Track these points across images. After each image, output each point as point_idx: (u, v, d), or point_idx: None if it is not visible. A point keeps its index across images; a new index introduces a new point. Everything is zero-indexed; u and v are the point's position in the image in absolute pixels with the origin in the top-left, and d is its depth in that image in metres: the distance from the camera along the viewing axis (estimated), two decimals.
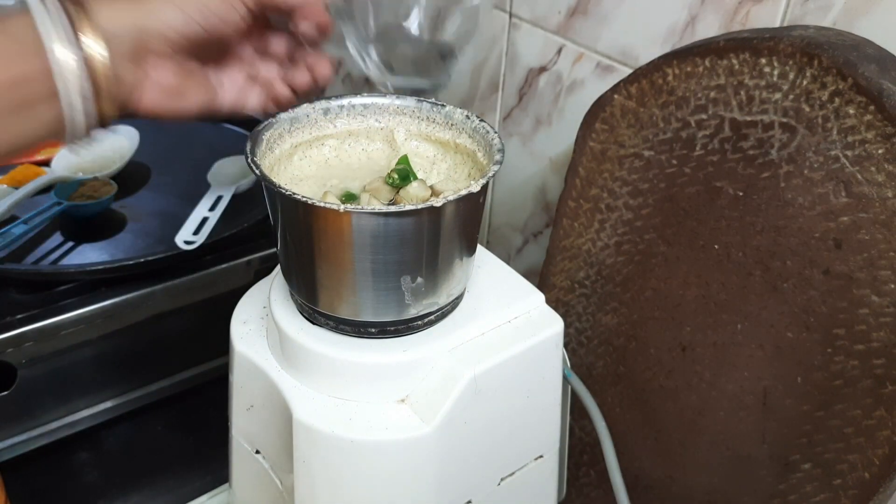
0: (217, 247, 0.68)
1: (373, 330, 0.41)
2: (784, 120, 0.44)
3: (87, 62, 0.37)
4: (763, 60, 0.44)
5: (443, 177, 0.45)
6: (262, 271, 0.59)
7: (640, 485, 0.56)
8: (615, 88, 0.52)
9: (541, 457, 0.49)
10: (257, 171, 0.38)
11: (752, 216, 0.47)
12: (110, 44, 0.38)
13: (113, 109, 0.39)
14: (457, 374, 0.41)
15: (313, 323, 0.42)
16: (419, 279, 0.39)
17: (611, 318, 0.56)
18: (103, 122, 0.40)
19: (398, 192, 0.43)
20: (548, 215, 0.70)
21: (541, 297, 0.46)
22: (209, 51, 0.43)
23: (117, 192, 0.74)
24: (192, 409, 0.72)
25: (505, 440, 0.46)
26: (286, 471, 0.46)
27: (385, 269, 0.39)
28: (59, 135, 0.39)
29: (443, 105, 0.45)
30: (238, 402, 0.48)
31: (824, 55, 0.41)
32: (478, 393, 0.42)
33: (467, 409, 0.42)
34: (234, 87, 0.45)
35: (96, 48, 0.38)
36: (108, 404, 0.68)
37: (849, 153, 0.42)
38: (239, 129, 0.87)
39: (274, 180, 0.38)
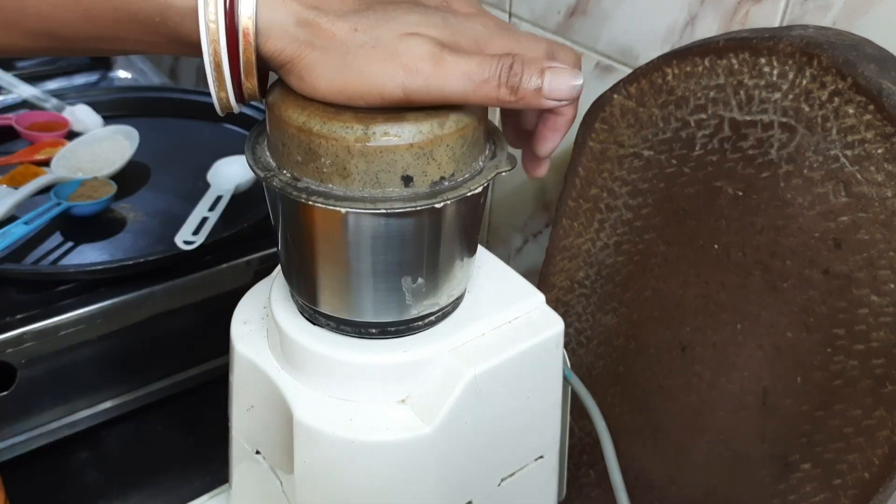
0: (217, 247, 0.68)
1: (373, 330, 0.41)
2: (783, 120, 0.44)
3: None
4: (762, 60, 0.44)
5: None
6: (262, 271, 0.59)
7: (640, 485, 0.56)
8: (615, 88, 0.52)
9: (541, 457, 0.49)
10: (258, 173, 0.38)
11: (751, 216, 0.47)
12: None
13: (254, 85, 0.35)
14: (457, 375, 0.41)
15: (314, 323, 0.42)
16: (420, 280, 0.39)
17: (611, 318, 0.57)
18: (243, 98, 0.36)
19: None
20: (548, 215, 0.70)
21: (541, 297, 0.46)
22: None
23: (117, 192, 0.74)
24: (192, 409, 0.72)
25: (505, 440, 0.46)
26: (286, 471, 0.46)
27: (385, 269, 0.39)
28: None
29: None
30: (238, 402, 0.48)
31: (824, 55, 0.42)
32: (478, 393, 0.42)
33: (468, 409, 0.42)
34: None
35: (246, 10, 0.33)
36: (107, 404, 0.68)
37: (848, 153, 0.42)
38: (239, 129, 0.87)
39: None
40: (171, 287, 0.66)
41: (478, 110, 0.37)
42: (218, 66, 0.34)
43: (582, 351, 0.59)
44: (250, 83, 0.35)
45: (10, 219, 0.69)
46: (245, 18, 0.33)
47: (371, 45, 0.34)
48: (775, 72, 0.44)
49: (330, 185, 0.36)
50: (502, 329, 0.44)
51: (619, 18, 0.58)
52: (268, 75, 0.37)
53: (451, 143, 0.36)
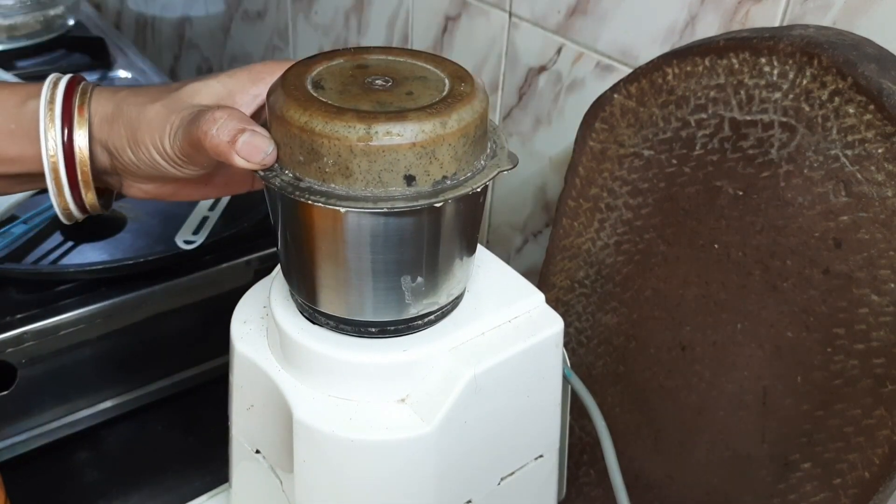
0: (217, 246, 0.68)
1: (373, 329, 0.41)
2: (784, 119, 0.44)
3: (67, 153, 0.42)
4: (763, 60, 0.44)
5: None
6: (262, 271, 0.59)
7: (639, 484, 0.56)
8: (615, 88, 0.52)
9: (541, 456, 0.49)
10: (259, 172, 0.38)
11: (751, 216, 0.47)
12: (94, 144, 0.42)
13: (93, 198, 0.44)
14: (457, 374, 0.41)
15: (313, 323, 0.42)
16: (419, 279, 0.39)
17: (611, 318, 0.56)
18: (85, 208, 0.44)
19: None
20: (548, 215, 0.70)
21: (541, 296, 0.46)
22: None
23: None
24: (192, 409, 0.72)
25: (505, 440, 0.46)
26: (286, 470, 0.46)
27: (385, 268, 0.39)
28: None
29: None
30: (238, 401, 0.48)
31: (824, 54, 0.42)
32: (478, 392, 0.42)
33: (467, 408, 0.42)
34: (224, 178, 0.47)
35: (79, 141, 0.42)
36: (107, 404, 0.68)
37: (848, 152, 0.42)
38: None
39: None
40: (171, 287, 0.66)
41: (479, 108, 0.37)
42: (58, 182, 0.42)
43: (582, 350, 0.59)
44: (90, 196, 0.43)
45: (10, 218, 0.69)
46: (78, 143, 0.42)
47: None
48: (775, 71, 0.44)
49: (332, 185, 0.35)
50: (502, 328, 0.44)
51: (619, 18, 0.58)
52: (110, 195, 0.46)
53: (453, 142, 0.36)
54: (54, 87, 0.42)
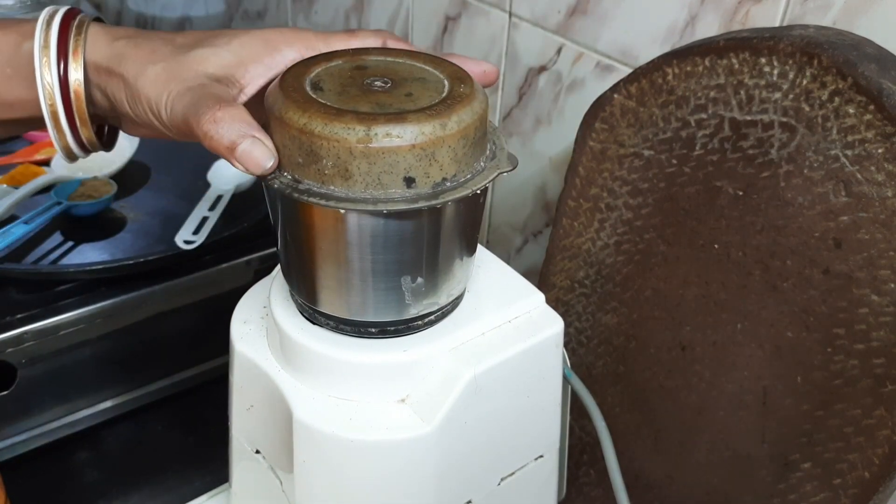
0: (217, 246, 0.68)
1: (373, 330, 0.41)
2: (784, 119, 0.44)
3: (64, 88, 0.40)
4: (763, 60, 0.44)
5: None
6: (262, 271, 0.59)
7: (639, 484, 0.56)
8: (615, 88, 0.52)
9: (541, 456, 0.49)
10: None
11: (751, 216, 0.47)
12: (90, 74, 0.41)
13: (91, 134, 0.43)
14: (457, 374, 0.41)
15: (313, 323, 0.42)
16: (419, 279, 0.39)
17: (611, 318, 0.57)
18: (84, 146, 0.43)
19: None
20: (548, 215, 0.70)
21: (541, 296, 0.46)
22: None
23: (117, 192, 0.74)
24: (192, 408, 0.72)
25: (505, 440, 0.46)
26: (286, 470, 0.46)
27: (385, 268, 0.39)
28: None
29: None
30: (238, 401, 0.48)
31: (824, 54, 0.42)
32: (478, 393, 0.42)
33: (467, 408, 0.42)
34: None
35: (73, 84, 0.40)
36: (107, 404, 0.68)
37: (848, 152, 0.42)
38: None
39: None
40: (171, 287, 0.66)
41: (479, 110, 0.37)
42: (58, 125, 0.41)
43: (582, 350, 0.59)
44: (87, 132, 0.42)
45: (10, 218, 0.69)
46: (74, 81, 0.40)
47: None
48: (775, 71, 0.44)
49: (332, 187, 0.35)
50: (502, 328, 0.44)
51: (619, 18, 0.58)
52: (114, 132, 0.46)
53: (452, 143, 0.36)
54: (47, 27, 0.40)
